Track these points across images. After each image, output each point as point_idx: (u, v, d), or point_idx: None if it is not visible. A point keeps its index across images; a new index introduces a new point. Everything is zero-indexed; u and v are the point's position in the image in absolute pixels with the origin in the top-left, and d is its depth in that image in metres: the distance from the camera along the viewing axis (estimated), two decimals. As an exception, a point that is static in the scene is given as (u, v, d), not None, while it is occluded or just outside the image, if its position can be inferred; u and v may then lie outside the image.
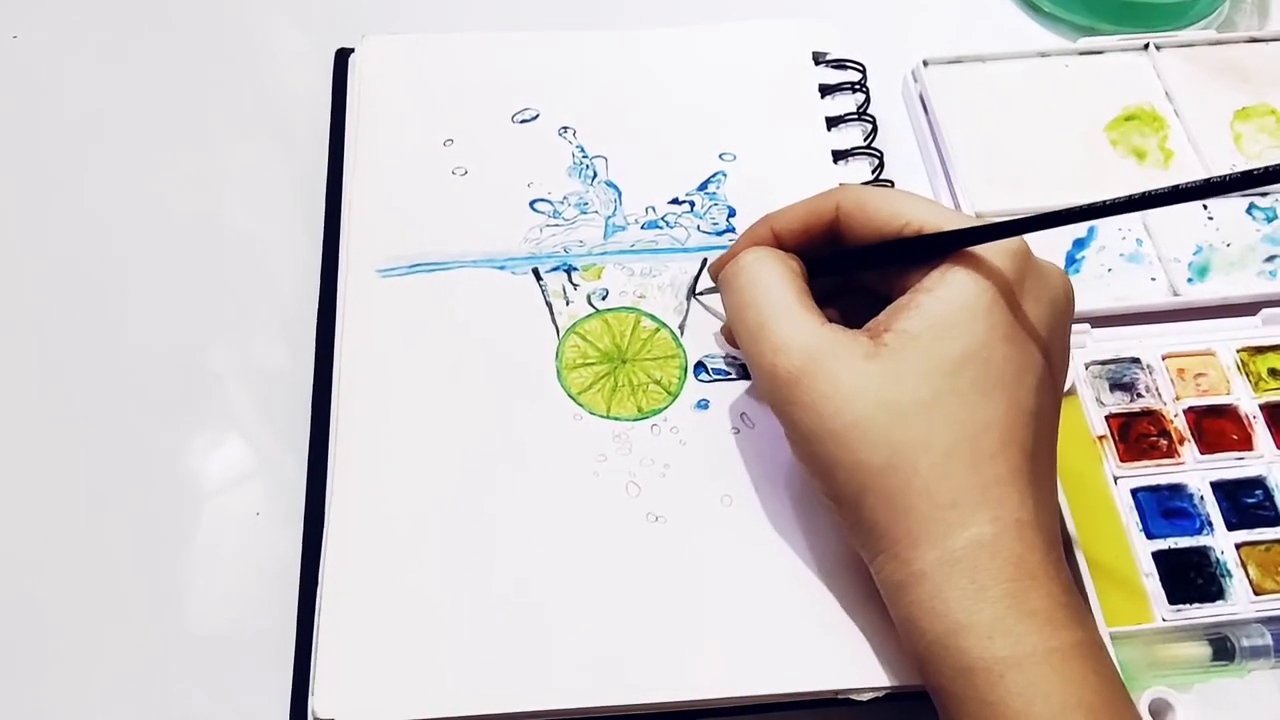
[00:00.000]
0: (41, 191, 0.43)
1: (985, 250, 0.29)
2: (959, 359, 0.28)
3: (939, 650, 0.28)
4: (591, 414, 0.36)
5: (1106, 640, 0.33)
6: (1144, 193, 0.27)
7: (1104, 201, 0.28)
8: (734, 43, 0.45)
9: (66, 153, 0.44)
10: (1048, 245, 0.41)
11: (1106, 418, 0.38)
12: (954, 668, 0.27)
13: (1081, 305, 0.39)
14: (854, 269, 0.33)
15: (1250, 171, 0.25)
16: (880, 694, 0.32)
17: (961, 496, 0.28)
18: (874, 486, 0.28)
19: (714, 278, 0.35)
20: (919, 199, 0.31)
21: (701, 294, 0.39)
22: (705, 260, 0.40)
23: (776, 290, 0.31)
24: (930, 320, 0.29)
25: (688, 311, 0.39)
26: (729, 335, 0.37)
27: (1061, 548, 0.29)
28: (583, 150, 0.42)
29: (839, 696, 0.32)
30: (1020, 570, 0.27)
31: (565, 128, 0.42)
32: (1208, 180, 0.26)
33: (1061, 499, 0.35)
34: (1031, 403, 0.29)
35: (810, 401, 0.29)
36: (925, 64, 0.46)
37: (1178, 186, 0.26)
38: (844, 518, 0.30)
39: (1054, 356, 0.30)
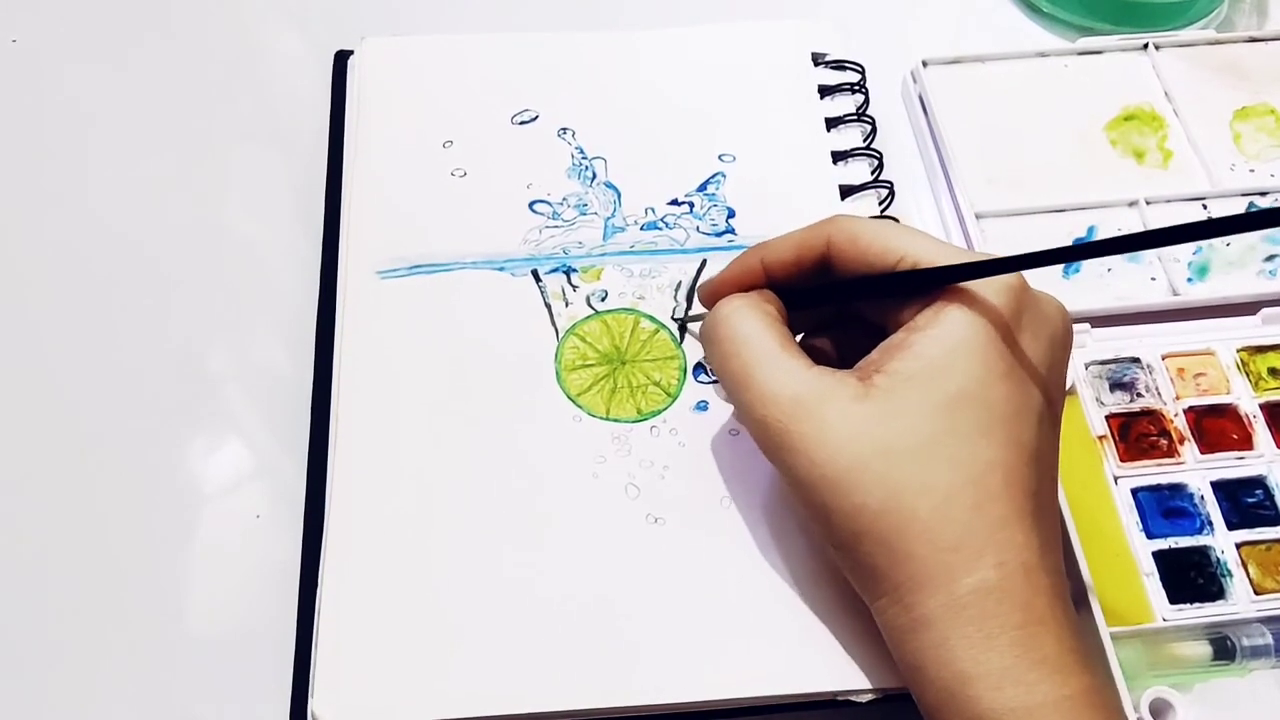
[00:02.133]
0: (41, 195, 0.43)
1: (981, 286, 0.28)
2: (956, 399, 0.28)
3: (947, 698, 0.27)
4: (591, 415, 0.36)
5: (1108, 645, 0.33)
6: (1145, 231, 0.27)
7: (1104, 240, 0.27)
8: (733, 44, 0.45)
9: (66, 156, 0.44)
10: (1047, 246, 0.41)
11: (1106, 417, 0.38)
12: (963, 716, 0.27)
13: (1081, 305, 0.40)
14: (845, 301, 0.33)
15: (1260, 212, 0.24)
16: (879, 695, 0.32)
17: (965, 540, 0.27)
18: (872, 531, 0.28)
19: (703, 301, 0.34)
20: (913, 232, 0.31)
21: (687, 320, 0.38)
22: (704, 261, 0.40)
23: (757, 340, 0.30)
24: (924, 360, 0.28)
25: (687, 312, 0.39)
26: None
27: (1068, 587, 0.29)
28: (582, 151, 0.42)
29: (839, 698, 0.32)
30: (1028, 616, 0.27)
31: (564, 129, 0.43)
32: (1210, 220, 0.26)
33: (1062, 499, 0.35)
34: (1033, 441, 0.28)
35: (802, 449, 0.28)
36: (924, 64, 0.46)
37: (1182, 226, 0.26)
38: (843, 562, 0.30)
39: (1053, 392, 0.29)
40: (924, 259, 0.29)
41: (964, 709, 0.27)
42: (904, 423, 0.28)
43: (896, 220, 0.40)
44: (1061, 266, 0.41)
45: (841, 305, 0.33)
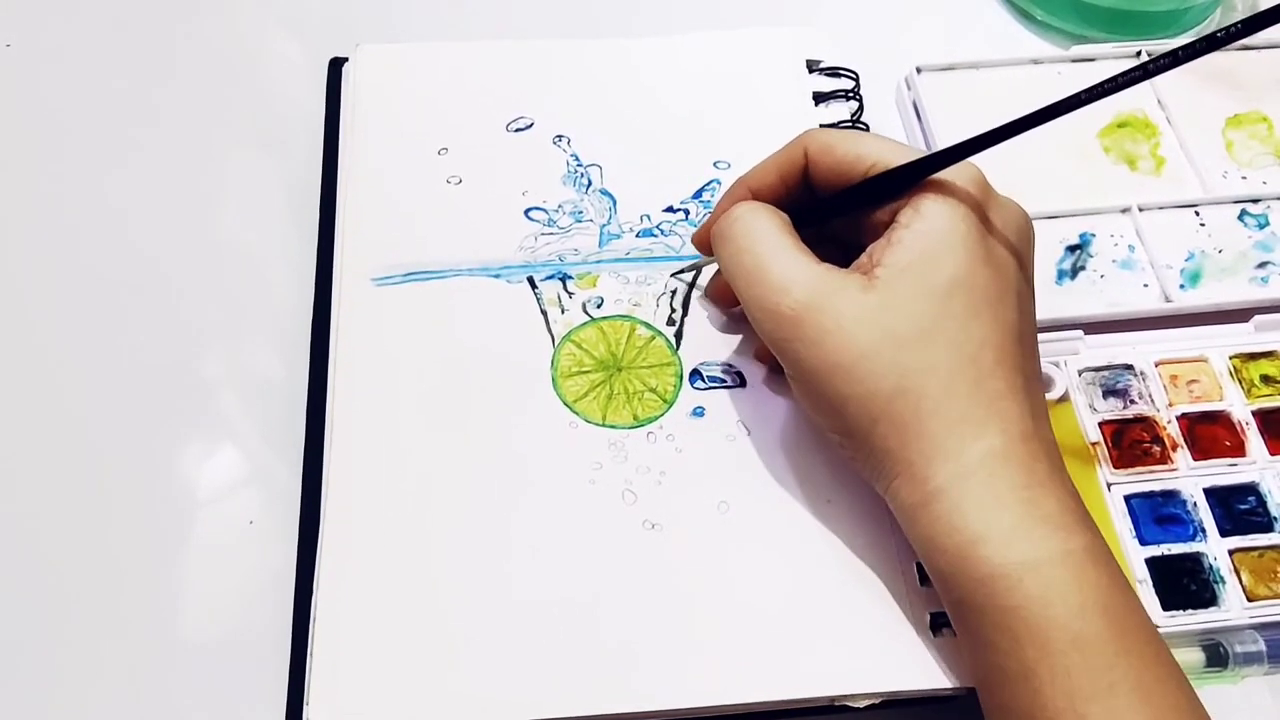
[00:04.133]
0: (35, 201, 0.43)
1: (950, 185, 0.31)
2: (948, 285, 0.30)
3: (959, 562, 0.29)
4: (587, 422, 0.36)
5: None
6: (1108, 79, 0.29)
7: (1056, 102, 0.30)
8: (727, 51, 0.45)
9: (60, 162, 0.44)
10: (1041, 253, 0.41)
11: (1100, 424, 0.38)
12: (974, 578, 0.28)
13: (1074, 312, 0.40)
14: (831, 215, 0.34)
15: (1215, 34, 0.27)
16: (876, 701, 0.32)
17: (969, 413, 0.29)
18: (885, 414, 0.29)
19: (697, 246, 0.37)
20: (880, 139, 0.33)
21: (679, 273, 0.39)
22: (700, 269, 0.40)
23: (772, 235, 0.32)
24: (915, 252, 0.30)
25: (683, 319, 0.39)
26: (717, 293, 0.38)
27: (1061, 458, 0.30)
28: (577, 159, 0.42)
29: (835, 704, 0.32)
30: (1031, 478, 0.29)
31: (560, 136, 0.43)
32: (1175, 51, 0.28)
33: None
34: (1015, 321, 0.30)
35: (816, 337, 0.30)
36: (918, 71, 0.46)
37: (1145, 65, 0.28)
38: (855, 450, 0.31)
39: (1025, 279, 0.32)
40: (889, 161, 0.32)
41: (975, 569, 0.28)
42: (907, 310, 0.30)
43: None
44: (1054, 275, 0.41)
45: (825, 222, 0.34)
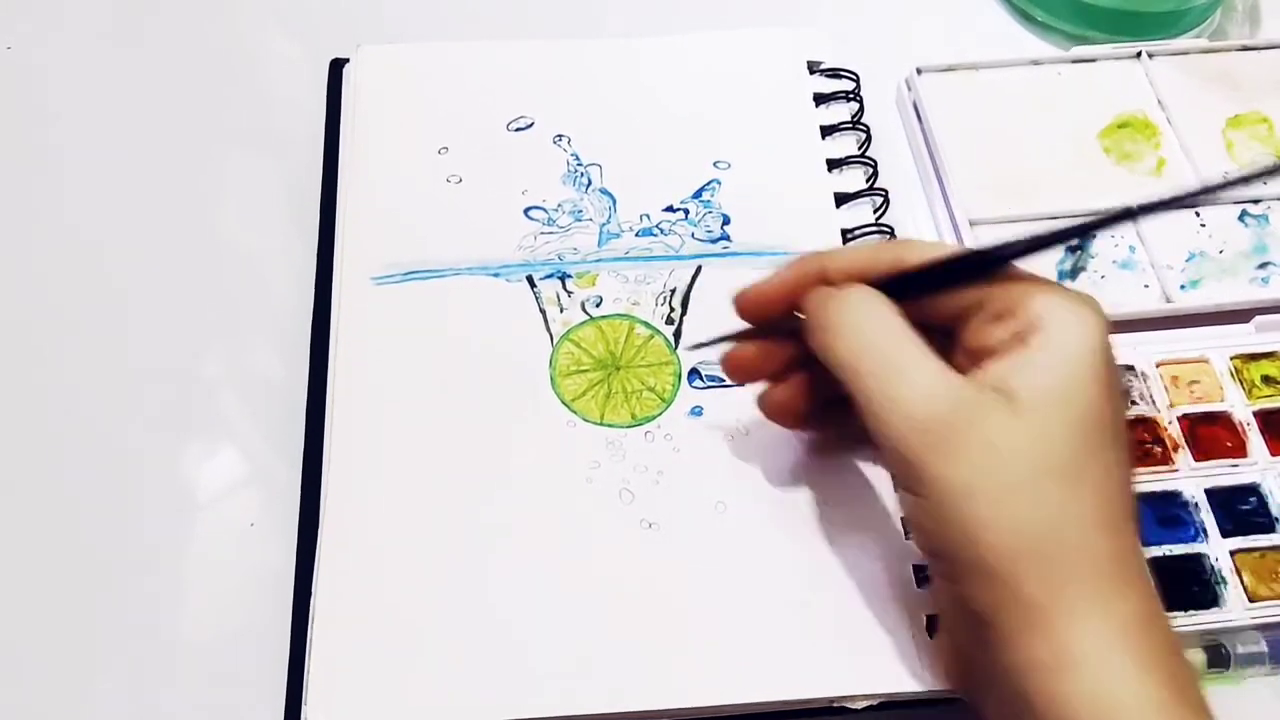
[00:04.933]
0: (35, 202, 0.43)
1: (1077, 308, 0.28)
2: (1089, 417, 0.27)
3: None
4: (585, 421, 0.36)
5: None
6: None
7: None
8: (728, 52, 0.45)
9: (60, 163, 0.44)
10: (1041, 254, 0.41)
11: (1100, 424, 0.38)
12: None
13: (1075, 312, 0.40)
14: (923, 290, 0.30)
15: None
16: (874, 702, 0.32)
17: (1111, 567, 0.26)
18: (1030, 552, 0.26)
19: (744, 311, 0.32)
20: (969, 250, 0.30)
21: (701, 345, 0.35)
22: (700, 268, 0.40)
23: (902, 332, 0.28)
24: (1057, 378, 0.27)
25: (682, 318, 0.39)
26: (774, 407, 0.33)
27: None
28: (577, 158, 0.42)
29: (833, 705, 0.32)
30: (1176, 646, 0.26)
31: (560, 135, 0.43)
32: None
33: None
34: (1130, 462, 0.28)
35: (966, 456, 0.27)
36: (919, 72, 0.46)
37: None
38: (972, 590, 0.27)
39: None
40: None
41: None
42: (1058, 441, 0.26)
43: (892, 230, 0.40)
44: (1055, 276, 0.41)
45: (915, 296, 0.30)
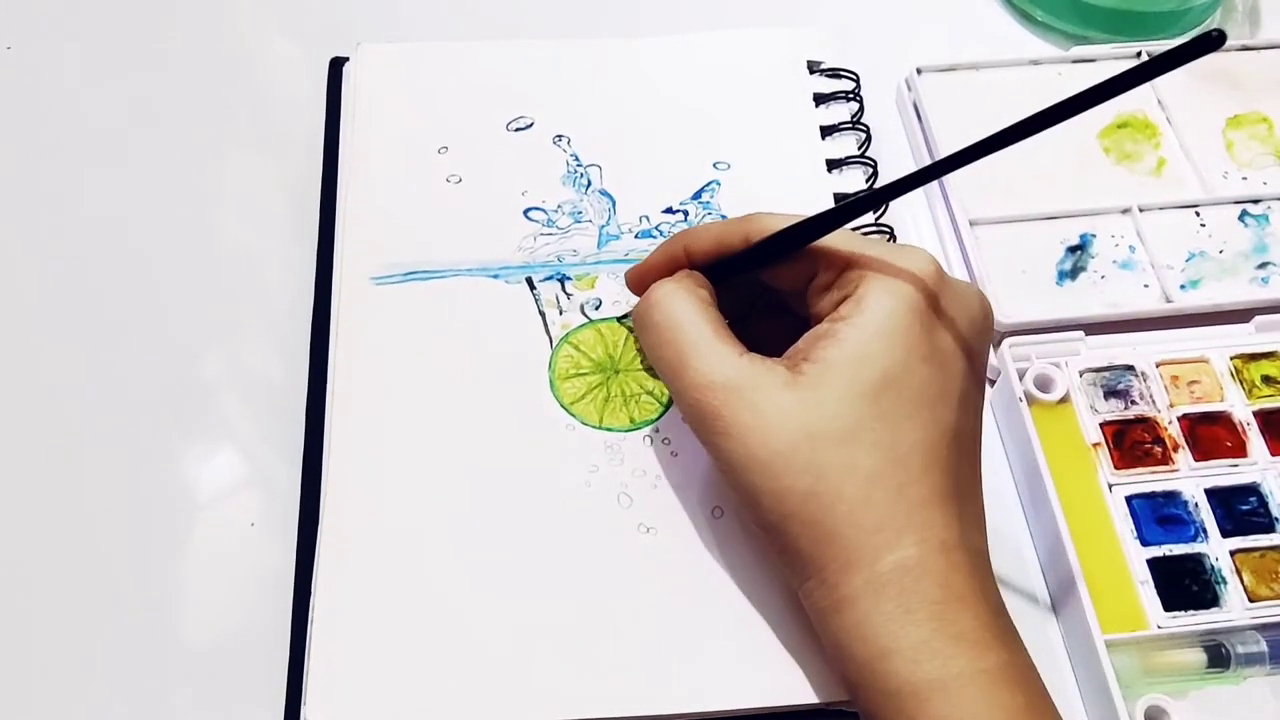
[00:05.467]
0: (35, 202, 0.43)
1: (896, 275, 0.30)
2: (879, 384, 0.29)
3: (867, 675, 0.28)
4: (584, 424, 0.36)
5: (1105, 661, 0.33)
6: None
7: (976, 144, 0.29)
8: (728, 51, 0.45)
9: (60, 164, 0.44)
10: (1041, 254, 0.42)
11: (1100, 425, 0.38)
12: (882, 691, 0.27)
13: (1075, 312, 0.40)
14: (742, 270, 0.33)
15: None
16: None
17: (886, 521, 0.28)
18: (799, 514, 0.28)
19: (631, 287, 0.35)
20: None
21: (624, 318, 0.38)
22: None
23: (692, 325, 0.31)
24: (848, 347, 0.29)
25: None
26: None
27: (990, 566, 0.29)
28: (577, 159, 0.42)
29: (830, 708, 0.32)
30: (947, 592, 0.28)
31: (559, 136, 0.43)
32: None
33: (1056, 506, 0.35)
34: (954, 422, 0.29)
35: (735, 432, 0.29)
36: (919, 72, 0.46)
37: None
38: (771, 544, 0.30)
39: (973, 375, 0.30)
40: (826, 241, 0.31)
41: (882, 682, 0.27)
42: (830, 408, 0.29)
43: (891, 230, 0.40)
44: (1055, 276, 0.41)
45: (740, 274, 0.33)
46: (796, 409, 0.29)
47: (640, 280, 0.34)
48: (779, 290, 0.33)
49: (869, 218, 0.41)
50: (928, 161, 0.44)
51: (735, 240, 0.33)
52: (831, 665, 0.30)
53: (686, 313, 0.31)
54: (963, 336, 0.30)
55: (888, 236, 0.41)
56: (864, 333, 0.29)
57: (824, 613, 0.29)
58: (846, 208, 0.30)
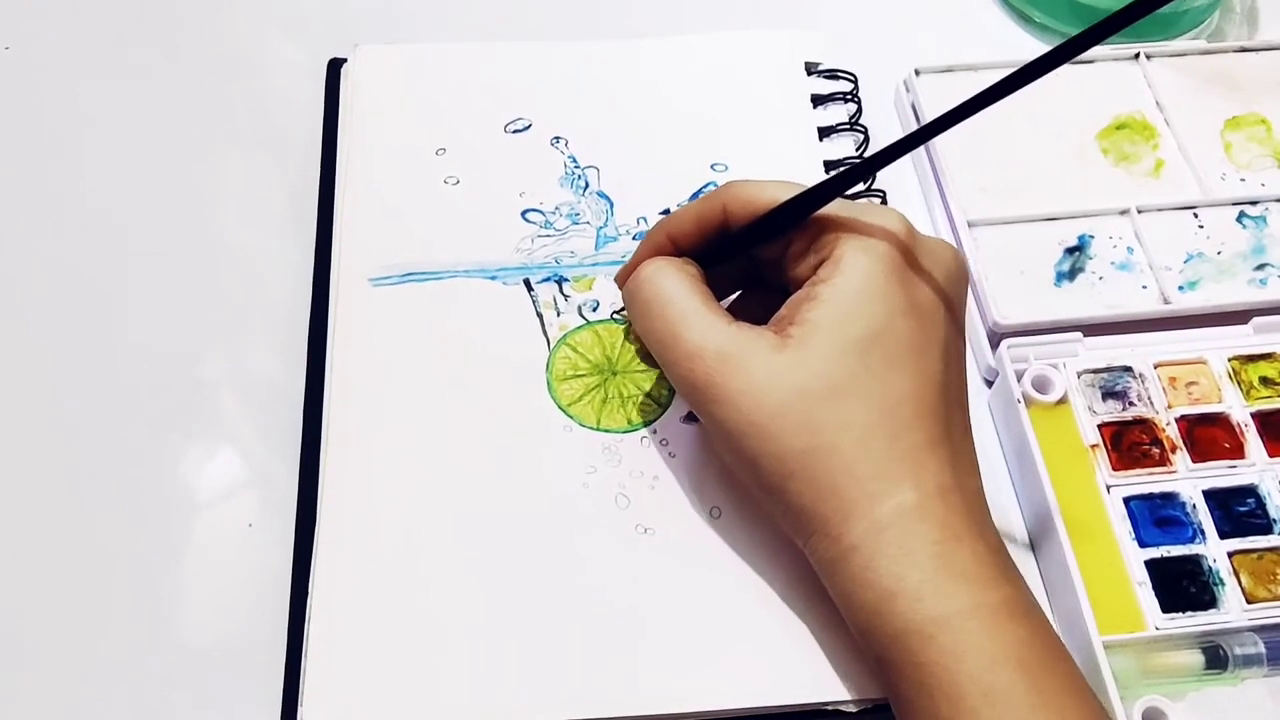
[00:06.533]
0: (34, 202, 0.43)
1: (869, 235, 0.31)
2: (864, 339, 0.29)
3: (874, 619, 0.28)
4: (581, 426, 0.36)
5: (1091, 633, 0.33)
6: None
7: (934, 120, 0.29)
8: (726, 53, 0.45)
9: (59, 164, 0.44)
10: (1040, 255, 0.42)
11: (1099, 426, 0.38)
12: (888, 634, 0.28)
13: (1073, 314, 0.40)
14: (738, 249, 0.34)
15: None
16: (869, 705, 0.32)
17: (884, 469, 0.29)
18: (798, 472, 0.29)
19: (620, 287, 0.36)
20: (793, 185, 0.32)
21: (619, 314, 0.39)
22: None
23: (680, 299, 0.32)
24: (831, 308, 0.30)
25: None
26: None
27: (987, 509, 0.30)
28: (575, 160, 0.42)
29: (828, 709, 0.32)
30: (945, 533, 0.28)
31: (557, 138, 0.43)
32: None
33: (1054, 507, 0.35)
34: (939, 372, 0.30)
35: (729, 399, 0.30)
36: (917, 73, 0.46)
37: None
38: (773, 506, 0.31)
39: (953, 325, 0.31)
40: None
41: (889, 624, 0.28)
42: (819, 366, 0.29)
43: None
44: (1053, 277, 0.41)
45: (736, 254, 0.34)
46: (787, 370, 0.29)
47: (628, 274, 0.35)
48: (759, 260, 0.34)
49: (860, 187, 0.41)
50: (926, 162, 0.44)
51: (715, 214, 0.33)
52: (843, 616, 0.30)
53: (675, 287, 0.32)
54: (940, 288, 0.31)
55: (880, 200, 0.41)
56: (844, 292, 0.30)
57: (829, 564, 0.30)
58: (838, 179, 0.31)
